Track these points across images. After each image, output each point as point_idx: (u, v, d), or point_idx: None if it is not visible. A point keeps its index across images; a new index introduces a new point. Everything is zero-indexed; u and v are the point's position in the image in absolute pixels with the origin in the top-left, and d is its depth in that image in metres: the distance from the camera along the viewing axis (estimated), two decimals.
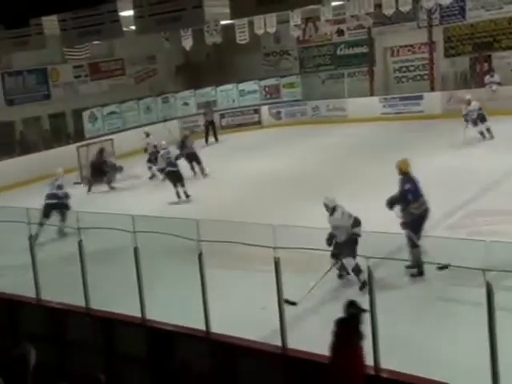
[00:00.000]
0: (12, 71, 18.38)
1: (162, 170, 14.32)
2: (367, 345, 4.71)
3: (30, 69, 18.79)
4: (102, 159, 15.94)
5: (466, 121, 15.45)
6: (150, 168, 15.96)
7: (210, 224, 5.64)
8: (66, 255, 7.87)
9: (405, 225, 7.63)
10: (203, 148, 17.99)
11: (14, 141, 18.59)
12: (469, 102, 15.53)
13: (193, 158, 15.49)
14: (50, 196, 11.24)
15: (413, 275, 7.46)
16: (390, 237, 5.68)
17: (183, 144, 15.60)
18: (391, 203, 7.82)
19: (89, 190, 15.43)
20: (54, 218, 11.00)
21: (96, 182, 15.65)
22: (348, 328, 4.52)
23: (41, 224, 9.78)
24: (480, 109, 15.46)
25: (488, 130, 15.48)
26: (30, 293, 6.88)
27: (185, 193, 13.21)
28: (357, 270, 7.19)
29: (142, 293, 5.97)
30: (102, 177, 15.58)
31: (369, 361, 4.74)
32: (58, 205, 11.07)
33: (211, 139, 20.49)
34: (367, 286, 5.04)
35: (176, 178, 13.30)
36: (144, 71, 22.72)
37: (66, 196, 11.40)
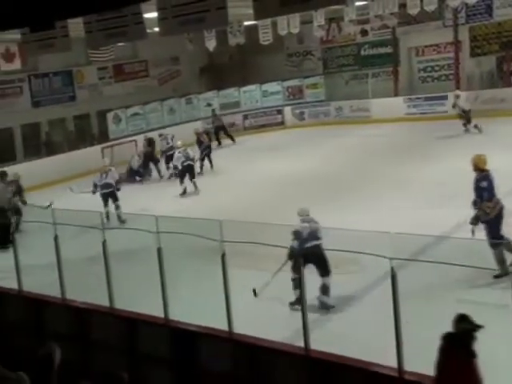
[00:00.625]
0: (38, 73, 18.67)
1: (175, 168, 14.93)
2: (391, 346, 4.66)
3: (55, 71, 19.06)
4: (151, 149, 16.73)
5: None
6: (168, 168, 16.26)
7: (233, 225, 5.64)
8: (90, 255, 7.94)
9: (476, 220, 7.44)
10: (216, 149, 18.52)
11: (40, 142, 18.86)
12: (458, 97, 17.02)
13: (209, 152, 16.64)
14: (104, 186, 12.32)
15: (496, 277, 7.14)
16: (413, 238, 5.61)
17: (198, 139, 16.80)
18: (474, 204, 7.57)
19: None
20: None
21: (130, 180, 15.98)
22: (459, 345, 4.04)
23: (107, 212, 11.06)
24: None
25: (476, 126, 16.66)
26: (55, 292, 6.96)
27: (194, 184, 14.19)
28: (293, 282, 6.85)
29: (165, 293, 5.99)
30: (155, 165, 16.63)
31: (392, 362, 4.69)
32: (112, 193, 12.25)
33: (226, 141, 20.45)
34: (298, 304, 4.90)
35: (190, 170, 14.33)
36: (167, 72, 22.87)
37: (117, 184, 12.61)
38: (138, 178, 16.32)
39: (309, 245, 7.09)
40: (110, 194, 12.29)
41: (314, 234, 7.25)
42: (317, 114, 22.47)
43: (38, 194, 15.39)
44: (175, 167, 14.78)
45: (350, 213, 10.84)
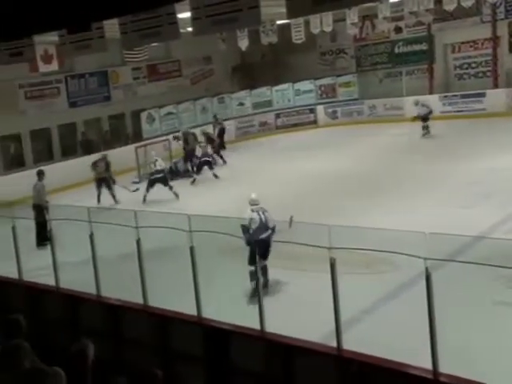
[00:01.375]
0: (75, 74, 19.02)
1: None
2: (425, 347, 4.58)
3: (91, 72, 19.38)
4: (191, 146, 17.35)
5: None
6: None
7: None
8: (124, 253, 8.05)
9: None
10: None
11: (76, 142, 19.22)
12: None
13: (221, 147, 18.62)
14: (156, 172, 14.82)
15: None
16: (449, 238, 5.50)
17: (209, 138, 17.88)
18: None
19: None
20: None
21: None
22: None
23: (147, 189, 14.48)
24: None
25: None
26: (89, 289, 7.08)
27: (214, 174, 16.25)
28: (251, 274, 7.30)
29: (198, 291, 6.03)
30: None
31: (427, 365, 4.61)
32: (162, 178, 14.68)
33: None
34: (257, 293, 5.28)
35: (209, 164, 16.46)
36: (200, 72, 23.01)
37: (165, 170, 15.06)
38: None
39: (262, 236, 7.68)
40: (161, 179, 14.51)
41: (265, 225, 7.78)
42: (350, 113, 22.29)
43: (75, 192, 15.72)
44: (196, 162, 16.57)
45: (383, 212, 10.73)
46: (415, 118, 18.28)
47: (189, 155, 17.23)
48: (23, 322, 4.71)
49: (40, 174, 11.83)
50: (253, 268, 7.19)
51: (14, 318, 4.78)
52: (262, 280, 7.20)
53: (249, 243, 7.52)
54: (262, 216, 8.04)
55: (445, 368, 4.65)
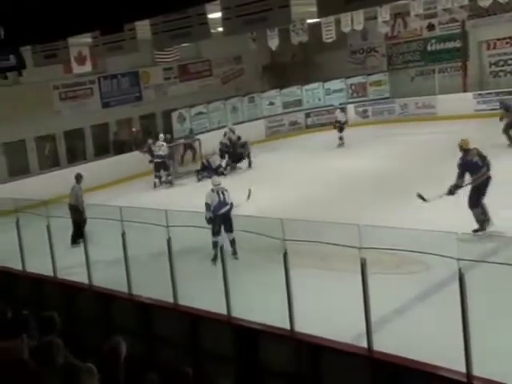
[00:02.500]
0: (107, 75, 19.30)
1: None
2: (457, 349, 4.51)
3: (123, 72, 19.64)
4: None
5: None
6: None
7: (295, 223, 5.62)
8: (155, 252, 8.13)
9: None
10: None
11: (108, 141, 19.50)
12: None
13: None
14: (157, 156, 16.44)
15: (475, 230, 8.67)
16: (483, 238, 5.41)
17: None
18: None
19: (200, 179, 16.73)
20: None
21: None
22: None
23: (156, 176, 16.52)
24: None
25: None
26: (121, 287, 7.18)
27: (250, 164, 17.52)
28: (213, 244, 9.21)
29: (228, 290, 6.05)
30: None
31: (461, 367, 4.54)
32: (162, 163, 16.36)
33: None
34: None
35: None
36: (230, 72, 23.09)
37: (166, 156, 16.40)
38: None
39: (222, 211, 9.51)
40: (161, 164, 16.27)
41: (224, 202, 9.62)
42: (381, 112, 22.06)
43: (107, 191, 15.97)
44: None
45: (415, 212, 10.58)
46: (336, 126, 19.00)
47: (224, 152, 17.59)
48: (57, 318, 4.81)
49: (78, 178, 12.19)
50: (215, 239, 9.21)
51: (48, 314, 4.88)
52: (233, 248, 9.36)
53: (210, 219, 9.21)
54: (221, 195, 9.72)
55: (478, 371, 4.57)
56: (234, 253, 9.42)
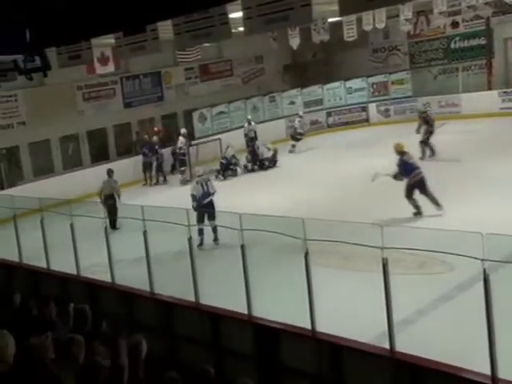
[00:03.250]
0: (129, 75, 19.45)
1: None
2: (481, 352, 4.44)
3: (145, 72, 19.78)
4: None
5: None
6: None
7: (317, 223, 5.60)
8: (176, 251, 8.18)
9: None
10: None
11: (131, 141, 19.66)
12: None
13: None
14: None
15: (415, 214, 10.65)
16: (508, 239, 5.31)
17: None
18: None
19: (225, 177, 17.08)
20: None
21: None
22: None
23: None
24: None
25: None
26: (143, 286, 7.23)
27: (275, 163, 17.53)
28: (198, 231, 9.98)
29: (249, 290, 6.05)
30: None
31: (485, 370, 4.48)
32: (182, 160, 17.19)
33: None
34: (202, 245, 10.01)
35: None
36: (251, 71, 23.09)
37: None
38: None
39: (205, 201, 10.61)
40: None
41: (208, 192, 10.72)
42: (403, 111, 21.84)
43: (129, 191, 16.08)
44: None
45: (438, 212, 10.48)
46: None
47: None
48: (89, 311, 4.88)
49: (110, 172, 13.19)
50: (200, 227, 10.10)
51: (80, 307, 4.96)
52: (215, 235, 10.37)
53: (195, 208, 10.19)
54: (205, 186, 10.78)
55: (503, 373, 4.51)
56: (216, 239, 10.38)
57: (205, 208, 10.37)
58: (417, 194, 10.87)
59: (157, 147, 17.61)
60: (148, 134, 18.37)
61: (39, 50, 6.55)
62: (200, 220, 10.14)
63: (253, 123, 19.32)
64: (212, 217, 10.35)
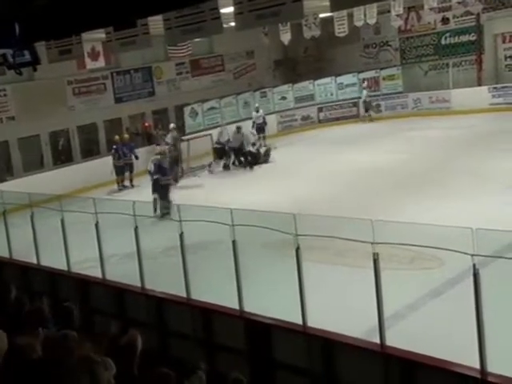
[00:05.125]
0: (120, 70, 19.35)
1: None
2: (471, 346, 4.48)
3: (136, 68, 19.68)
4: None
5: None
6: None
7: (308, 218, 5.61)
8: (167, 246, 8.17)
9: None
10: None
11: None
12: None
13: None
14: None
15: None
16: (498, 234, 5.35)
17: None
18: None
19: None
20: None
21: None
22: None
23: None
24: None
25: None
26: (134, 281, 7.21)
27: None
28: (153, 201, 12.42)
29: (240, 285, 6.06)
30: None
31: (475, 364, 4.51)
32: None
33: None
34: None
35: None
36: (243, 66, 23.04)
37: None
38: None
39: (155, 177, 12.77)
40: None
41: (163, 172, 12.87)
42: (394, 106, 21.91)
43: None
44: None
45: (429, 207, 10.52)
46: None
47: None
48: (75, 309, 4.85)
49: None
50: (154, 196, 12.44)
51: (66, 305, 4.94)
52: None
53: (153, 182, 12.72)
54: (157, 164, 12.88)
55: (492, 367, 4.55)
56: (162, 216, 11.80)
57: (157, 182, 12.76)
58: None
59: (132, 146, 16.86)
60: (120, 135, 17.15)
61: (28, 44, 6.49)
62: (154, 191, 12.64)
63: (261, 111, 19.85)
64: (162, 196, 12.43)
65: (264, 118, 19.87)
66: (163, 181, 12.74)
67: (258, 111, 19.98)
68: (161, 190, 12.57)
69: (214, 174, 16.81)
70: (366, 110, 21.69)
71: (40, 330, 4.17)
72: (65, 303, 5.02)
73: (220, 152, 17.53)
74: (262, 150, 17.54)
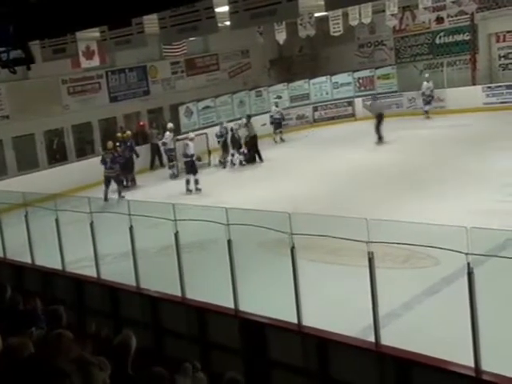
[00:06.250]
0: (115, 70, 19.30)
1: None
2: (465, 344, 4.50)
3: (131, 67, 19.63)
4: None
5: None
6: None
7: (303, 217, 5.62)
8: (162, 246, 8.15)
9: None
10: None
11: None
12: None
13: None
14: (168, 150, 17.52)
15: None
16: (493, 233, 5.37)
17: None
18: None
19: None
20: None
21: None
22: None
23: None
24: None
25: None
26: (129, 280, 7.20)
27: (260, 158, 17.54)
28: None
29: (236, 284, 6.06)
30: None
31: (470, 362, 4.53)
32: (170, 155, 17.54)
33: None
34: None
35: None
36: (238, 66, 23.02)
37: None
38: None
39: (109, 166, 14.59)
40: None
41: (115, 161, 14.68)
42: (389, 106, 21.94)
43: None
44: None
45: (424, 206, 10.55)
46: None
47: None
48: (63, 312, 4.83)
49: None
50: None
51: (53, 308, 4.91)
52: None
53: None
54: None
55: (486, 365, 4.56)
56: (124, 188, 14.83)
57: (110, 177, 14.58)
58: None
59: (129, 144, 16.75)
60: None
61: (22, 43, 6.46)
62: (106, 183, 14.53)
63: (279, 106, 20.56)
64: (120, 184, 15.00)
65: (282, 114, 20.36)
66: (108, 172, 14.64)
67: (277, 106, 20.54)
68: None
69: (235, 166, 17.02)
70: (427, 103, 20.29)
71: (33, 330, 4.16)
72: (53, 306, 4.98)
73: (224, 146, 17.63)
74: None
